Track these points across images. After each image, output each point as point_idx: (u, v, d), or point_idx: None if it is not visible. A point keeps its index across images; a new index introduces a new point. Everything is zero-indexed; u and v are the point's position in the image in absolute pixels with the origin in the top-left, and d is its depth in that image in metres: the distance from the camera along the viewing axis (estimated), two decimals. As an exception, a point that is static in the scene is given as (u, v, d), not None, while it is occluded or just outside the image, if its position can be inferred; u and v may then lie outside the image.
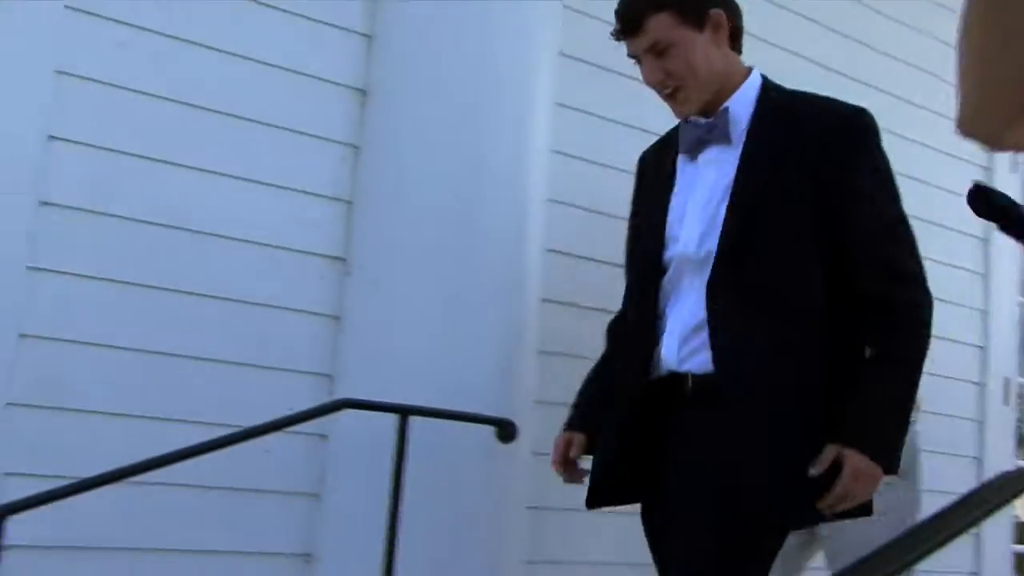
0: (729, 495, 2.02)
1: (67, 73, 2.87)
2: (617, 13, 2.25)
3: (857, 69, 4.33)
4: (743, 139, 2.18)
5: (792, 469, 2.03)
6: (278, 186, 3.17)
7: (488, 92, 3.21)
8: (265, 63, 3.17)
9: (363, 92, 3.32)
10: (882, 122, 2.27)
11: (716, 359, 2.09)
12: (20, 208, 2.78)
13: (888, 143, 2.26)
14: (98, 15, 2.92)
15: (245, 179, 3.12)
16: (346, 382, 3.11)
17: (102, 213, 2.90)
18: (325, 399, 3.06)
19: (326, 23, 3.28)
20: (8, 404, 2.71)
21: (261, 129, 3.15)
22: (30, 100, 2.82)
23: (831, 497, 2.01)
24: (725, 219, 2.13)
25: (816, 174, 2.12)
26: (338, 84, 3.30)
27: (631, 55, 2.27)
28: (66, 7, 2.87)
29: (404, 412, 2.87)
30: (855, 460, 2.01)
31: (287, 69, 3.21)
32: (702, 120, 2.23)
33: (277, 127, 3.18)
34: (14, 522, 2.35)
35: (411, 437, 2.87)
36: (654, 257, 2.22)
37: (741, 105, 2.21)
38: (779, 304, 2.10)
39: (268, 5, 3.18)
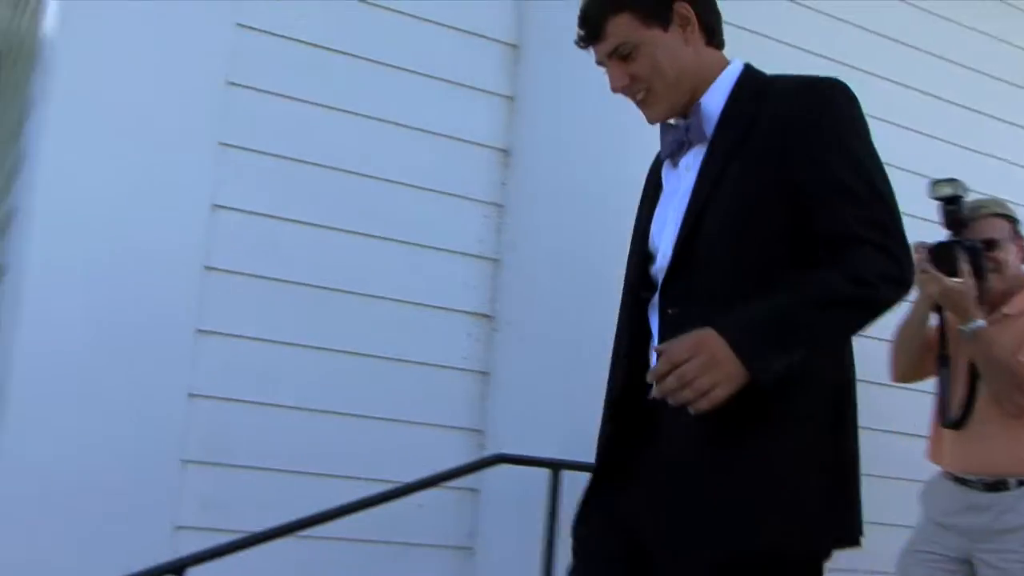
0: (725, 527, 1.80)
1: (228, 145, 3.04)
2: (579, 19, 2.10)
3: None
4: (711, 135, 2.02)
5: (782, 481, 1.80)
6: (426, 246, 3.27)
7: (628, 150, 3.25)
8: (411, 127, 3.30)
9: (505, 152, 3.41)
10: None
11: None
12: (187, 274, 2.94)
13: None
14: (255, 88, 3.10)
15: (394, 240, 3.24)
16: (496, 437, 3.17)
17: (263, 277, 3.05)
18: (475, 454, 3.12)
19: (469, 86, 3.39)
20: (181, 461, 2.84)
21: (409, 191, 3.27)
22: (195, 171, 2.99)
23: (660, 363, 1.73)
24: (679, 225, 1.97)
25: (779, 160, 1.90)
26: (482, 145, 3.39)
27: (598, 62, 2.11)
28: (228, 82, 3.04)
29: (556, 467, 2.91)
30: (708, 335, 1.74)
31: (433, 132, 3.32)
32: (681, 122, 2.07)
33: (424, 189, 3.29)
34: (191, 573, 2.46)
35: (563, 491, 2.90)
36: (640, 273, 2.06)
37: (714, 98, 2.04)
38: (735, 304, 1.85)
39: (412, 71, 3.31)
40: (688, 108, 2.05)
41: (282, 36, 3.16)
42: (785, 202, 1.89)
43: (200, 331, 2.93)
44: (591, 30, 2.06)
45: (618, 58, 2.05)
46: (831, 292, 1.82)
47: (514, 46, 3.47)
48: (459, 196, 3.34)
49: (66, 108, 2.91)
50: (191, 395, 2.90)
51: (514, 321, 3.27)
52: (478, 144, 3.39)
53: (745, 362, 1.72)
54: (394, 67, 3.29)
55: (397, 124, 3.28)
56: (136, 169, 2.93)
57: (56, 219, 2.85)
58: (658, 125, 2.08)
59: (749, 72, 2.08)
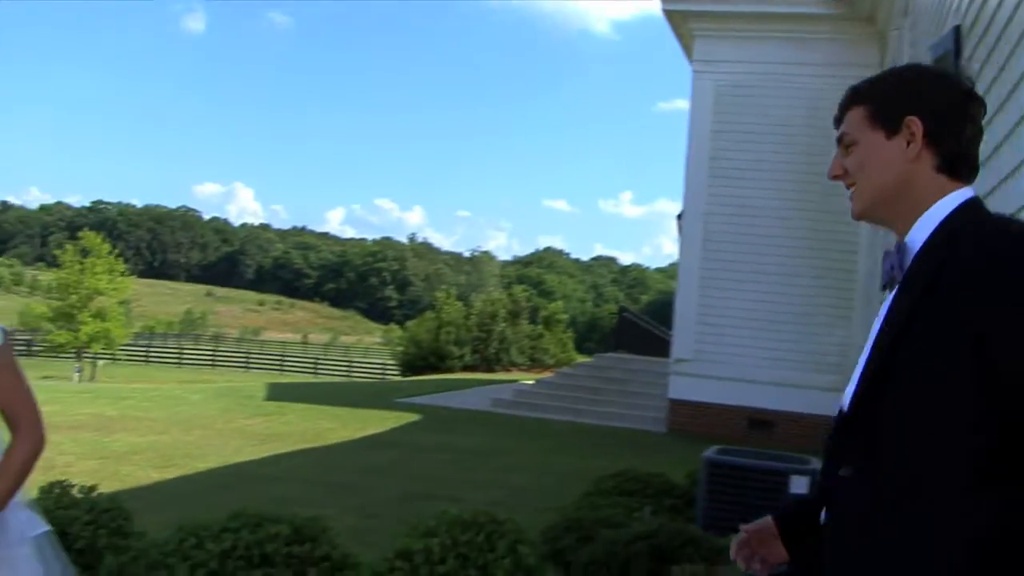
0: None
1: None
2: None
3: None
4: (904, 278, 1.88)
5: None
6: None
7: None
8: None
9: None
10: None
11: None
12: None
13: None
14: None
15: None
16: None
17: None
18: None
19: None
20: None
21: None
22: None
23: None
24: (856, 380, 1.89)
25: (969, 328, 1.70)
26: None
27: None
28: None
29: None
30: None
31: None
32: (893, 253, 1.95)
33: None
34: None
35: None
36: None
37: (919, 233, 1.90)
38: (906, 487, 1.74)
39: None
40: (901, 227, 1.95)
41: None
42: (982, 382, 1.69)
43: None
44: (838, 113, 2.05)
45: (843, 147, 2.03)
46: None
47: None
48: None
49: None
50: None
51: None
52: None
53: None
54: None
55: None
56: None
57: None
58: None
59: (968, 207, 1.89)
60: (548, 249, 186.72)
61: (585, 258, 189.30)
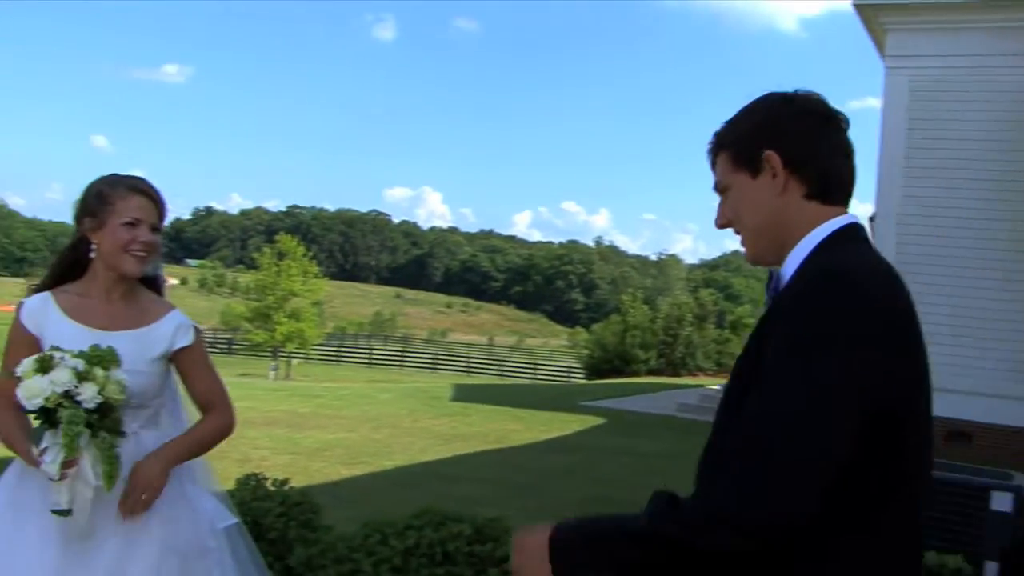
0: None
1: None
2: None
3: None
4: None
5: None
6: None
7: None
8: None
9: None
10: None
11: None
12: None
13: None
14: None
15: None
16: None
17: None
18: None
19: None
20: None
21: None
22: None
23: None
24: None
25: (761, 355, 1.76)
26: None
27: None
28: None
29: None
30: (534, 540, 1.86)
31: None
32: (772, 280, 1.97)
33: None
34: None
35: None
36: None
37: (791, 264, 1.90)
38: None
39: None
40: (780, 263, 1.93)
41: None
42: None
43: None
44: (710, 161, 2.04)
45: (721, 194, 2.02)
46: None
47: None
48: None
49: None
50: None
51: None
52: None
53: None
54: None
55: None
56: None
57: None
58: None
59: (834, 237, 1.88)
60: (736, 252, 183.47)
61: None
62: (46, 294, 3.13)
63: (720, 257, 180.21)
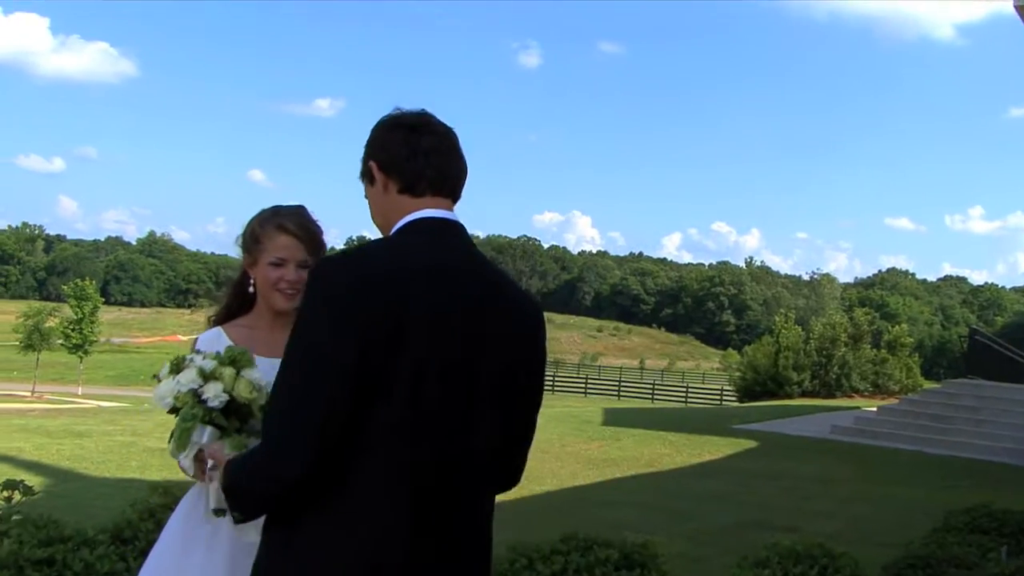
0: None
1: None
2: None
3: None
4: None
5: None
6: None
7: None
8: None
9: None
10: None
11: None
12: None
13: None
14: None
15: None
16: None
17: None
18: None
19: None
20: None
21: None
22: None
23: None
24: None
25: None
26: None
27: None
28: None
29: None
30: None
31: None
32: None
33: None
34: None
35: None
36: None
37: None
38: None
39: None
40: None
41: None
42: None
43: None
44: None
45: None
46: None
47: None
48: None
49: None
50: None
51: None
52: None
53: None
54: None
55: None
56: None
57: None
58: None
59: (404, 227, 2.28)
60: (891, 270, 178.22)
61: (932, 278, 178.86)
62: (218, 328, 3.26)
63: (876, 275, 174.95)
